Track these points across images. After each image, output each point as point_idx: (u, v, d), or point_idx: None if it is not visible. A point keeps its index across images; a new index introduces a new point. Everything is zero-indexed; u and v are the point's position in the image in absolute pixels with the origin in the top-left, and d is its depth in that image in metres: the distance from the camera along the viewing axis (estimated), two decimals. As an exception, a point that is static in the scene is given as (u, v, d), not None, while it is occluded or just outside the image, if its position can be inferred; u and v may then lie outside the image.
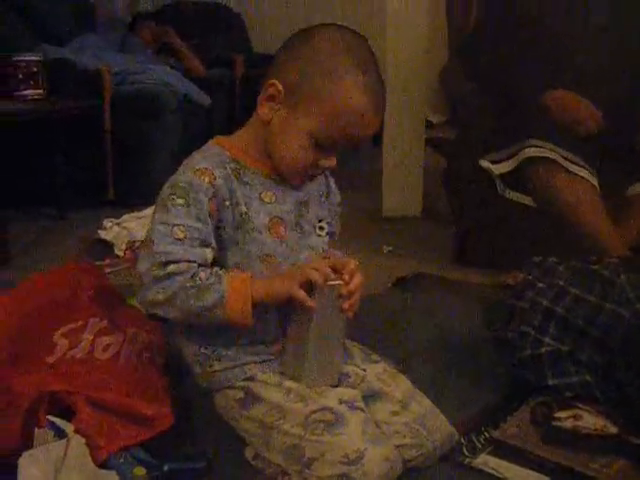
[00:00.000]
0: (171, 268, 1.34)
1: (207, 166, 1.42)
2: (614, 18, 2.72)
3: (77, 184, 3.82)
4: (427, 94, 3.86)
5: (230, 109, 5.09)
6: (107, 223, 3.14)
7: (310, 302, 1.36)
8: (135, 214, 3.27)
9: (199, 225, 1.38)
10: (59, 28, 4.54)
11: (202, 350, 1.49)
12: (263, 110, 1.43)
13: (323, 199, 1.59)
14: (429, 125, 4.72)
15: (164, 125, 3.98)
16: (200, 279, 1.34)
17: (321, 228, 1.55)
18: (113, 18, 5.34)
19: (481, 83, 2.90)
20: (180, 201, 1.37)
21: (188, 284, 1.34)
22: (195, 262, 1.36)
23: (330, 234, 1.59)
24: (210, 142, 1.50)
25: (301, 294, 1.36)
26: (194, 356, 1.51)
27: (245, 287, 1.36)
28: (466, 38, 3.21)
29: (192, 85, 4.41)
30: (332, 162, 1.44)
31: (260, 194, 1.45)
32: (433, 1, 3.65)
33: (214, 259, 1.42)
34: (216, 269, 1.38)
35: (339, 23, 1.46)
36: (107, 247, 3.05)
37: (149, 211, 3.28)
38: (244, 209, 1.43)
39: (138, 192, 3.83)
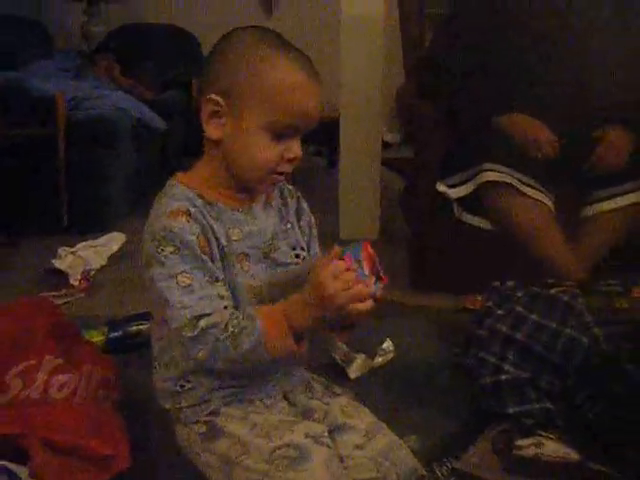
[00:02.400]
0: (203, 324, 1.30)
1: (179, 205, 1.37)
2: (569, 43, 2.74)
3: (30, 211, 3.76)
4: (382, 114, 3.85)
5: (186, 132, 5.06)
6: (62, 252, 3.09)
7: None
8: (90, 242, 3.24)
9: (199, 264, 1.34)
10: (16, 57, 4.49)
11: (177, 389, 1.45)
12: (210, 130, 1.40)
13: (294, 225, 1.55)
14: (385, 145, 4.73)
15: (118, 150, 3.93)
16: (233, 326, 1.31)
17: (297, 256, 1.52)
18: (69, 48, 5.29)
19: (436, 104, 2.90)
20: (170, 249, 1.33)
21: (222, 336, 1.30)
22: (224, 309, 1.33)
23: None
24: (170, 182, 1.45)
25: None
26: (167, 393, 1.48)
27: (279, 322, 1.32)
28: (421, 57, 3.20)
29: (147, 109, 4.37)
30: (297, 151, 1.40)
31: (228, 231, 1.42)
32: (388, 20, 3.65)
33: None
34: (248, 310, 1.34)
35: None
36: (62, 276, 3.00)
37: (104, 239, 3.29)
38: (224, 242, 1.41)
39: (93, 219, 3.82)
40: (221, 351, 1.31)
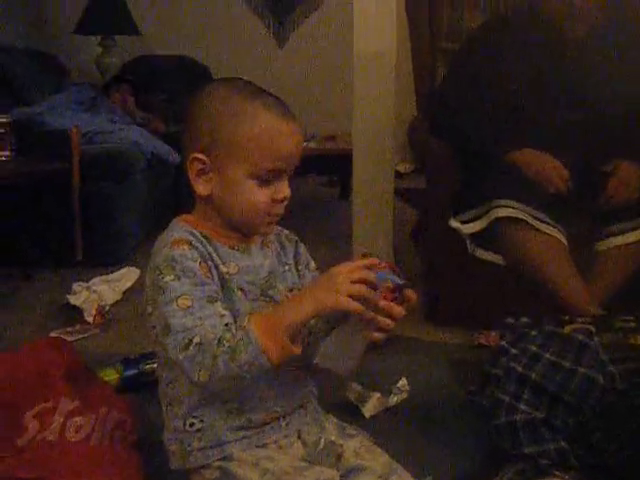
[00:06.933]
0: (196, 339, 1.29)
1: (180, 235, 1.41)
2: (579, 79, 2.75)
3: (44, 245, 3.78)
4: (395, 144, 3.86)
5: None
6: (76, 287, 3.10)
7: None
8: (104, 277, 3.25)
9: (199, 287, 1.35)
10: (32, 91, 4.54)
11: (187, 428, 1.45)
12: (199, 188, 1.44)
13: (291, 268, 1.57)
14: (397, 174, 4.74)
15: (132, 184, 3.96)
16: (227, 340, 1.29)
17: None
18: (83, 81, 5.33)
19: (447, 140, 2.91)
20: (170, 277, 1.35)
21: (219, 352, 1.28)
22: (216, 327, 1.31)
23: None
24: (174, 220, 1.50)
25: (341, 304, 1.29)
26: (176, 433, 1.47)
27: (273, 325, 1.30)
28: (432, 93, 3.22)
29: (160, 143, 4.40)
30: (285, 191, 1.43)
31: (225, 264, 1.44)
32: (401, 52, 3.67)
33: None
34: (240, 321, 1.33)
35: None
36: (76, 311, 3.01)
37: (119, 274, 3.30)
38: (223, 269, 1.43)
39: (107, 252, 3.84)
40: (221, 368, 1.29)
